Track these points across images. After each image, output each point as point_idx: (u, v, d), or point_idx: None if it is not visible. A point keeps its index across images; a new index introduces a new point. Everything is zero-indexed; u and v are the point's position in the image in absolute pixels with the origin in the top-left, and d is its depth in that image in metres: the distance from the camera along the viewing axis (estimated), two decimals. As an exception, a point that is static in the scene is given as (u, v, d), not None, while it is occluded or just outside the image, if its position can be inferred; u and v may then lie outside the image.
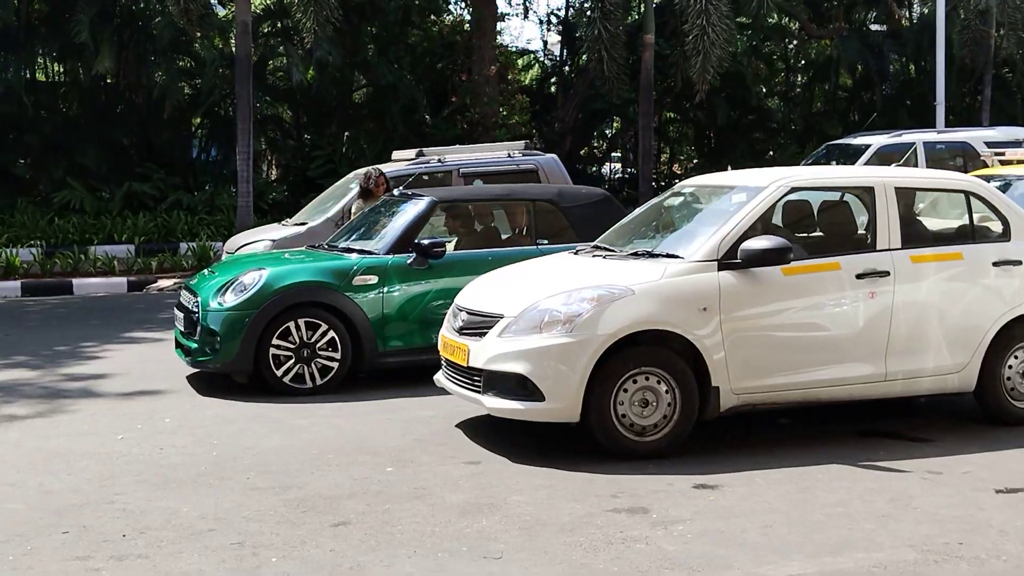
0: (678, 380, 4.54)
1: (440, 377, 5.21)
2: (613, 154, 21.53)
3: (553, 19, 19.37)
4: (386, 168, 9.08)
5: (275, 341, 5.91)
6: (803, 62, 22.40)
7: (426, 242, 6.16)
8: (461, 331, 4.92)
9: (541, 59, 20.08)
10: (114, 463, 4.62)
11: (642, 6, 15.35)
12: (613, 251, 5.23)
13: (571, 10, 19.47)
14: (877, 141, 11.81)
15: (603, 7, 13.76)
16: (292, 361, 5.97)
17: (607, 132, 20.63)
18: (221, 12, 16.58)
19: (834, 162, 12.32)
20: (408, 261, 6.19)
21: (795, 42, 22.00)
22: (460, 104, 16.19)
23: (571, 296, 4.59)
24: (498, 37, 17.13)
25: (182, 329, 6.41)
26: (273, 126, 17.38)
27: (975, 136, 12.03)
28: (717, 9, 13.74)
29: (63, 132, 14.66)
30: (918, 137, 11.80)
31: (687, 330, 4.53)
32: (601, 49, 13.79)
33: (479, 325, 4.81)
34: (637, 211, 6.05)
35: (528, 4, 19.73)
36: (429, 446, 4.87)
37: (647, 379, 4.54)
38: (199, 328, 6.07)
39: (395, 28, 16.57)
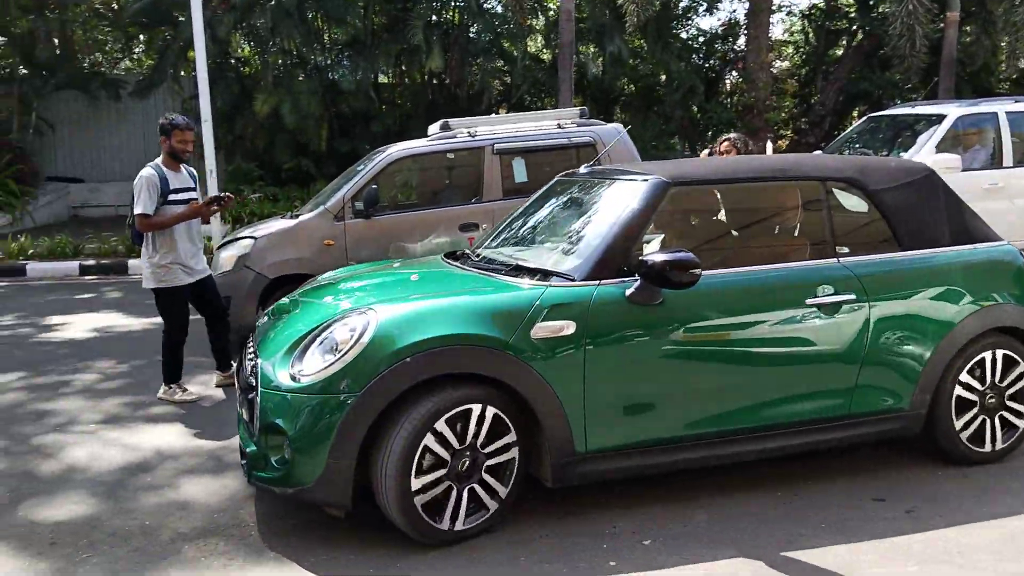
0: None
1: None
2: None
3: (816, 12, 20.57)
4: (408, 145, 7.52)
5: (417, 474, 3.41)
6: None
7: (662, 259, 3.53)
8: None
9: (801, 48, 21.32)
10: None
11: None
12: None
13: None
14: (952, 111, 9.09)
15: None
16: (444, 486, 3.50)
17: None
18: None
19: (881, 136, 9.96)
20: (628, 292, 3.64)
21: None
22: (734, 89, 17.83)
23: None
24: (770, 28, 18.58)
25: (242, 414, 3.95)
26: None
27: None
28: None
29: (402, 122, 17.60)
30: (999, 107, 9.18)
31: None
32: (914, 24, 14.81)
33: None
34: None
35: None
36: None
37: None
38: (256, 420, 3.59)
39: (671, 23, 18.46)
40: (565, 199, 4.68)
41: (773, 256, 4.20)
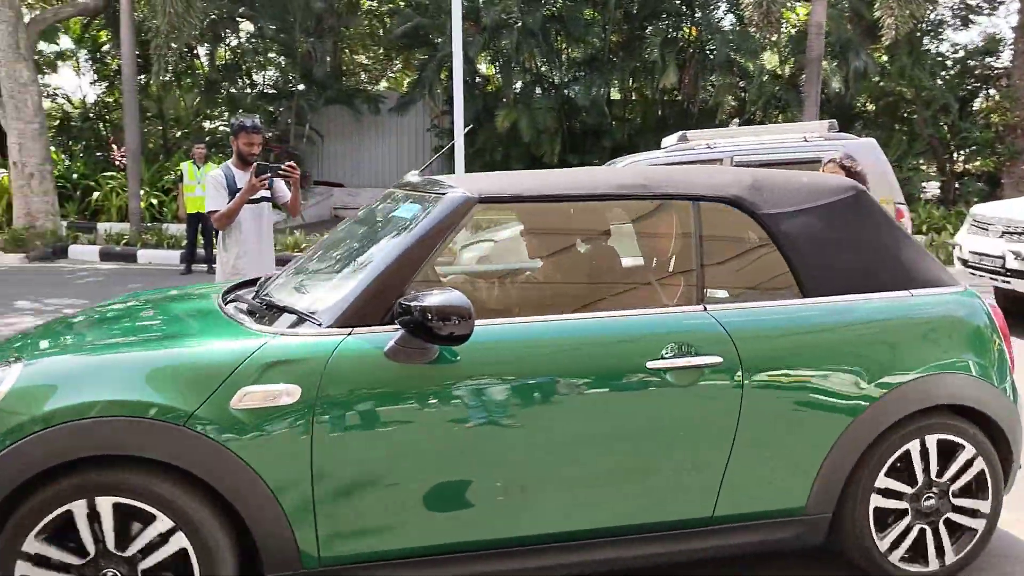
0: None
1: None
2: None
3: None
4: (643, 157, 7.20)
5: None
6: None
7: (422, 304, 2.59)
8: None
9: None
10: None
11: None
12: None
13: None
14: None
15: None
16: None
17: None
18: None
19: None
20: (387, 348, 2.68)
21: None
22: (991, 107, 16.60)
23: None
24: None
25: None
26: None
27: None
28: None
29: (631, 137, 18.04)
30: None
31: None
32: None
33: None
34: None
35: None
36: None
37: None
38: None
39: (923, 37, 17.51)
40: (372, 217, 3.52)
41: (615, 300, 3.19)
